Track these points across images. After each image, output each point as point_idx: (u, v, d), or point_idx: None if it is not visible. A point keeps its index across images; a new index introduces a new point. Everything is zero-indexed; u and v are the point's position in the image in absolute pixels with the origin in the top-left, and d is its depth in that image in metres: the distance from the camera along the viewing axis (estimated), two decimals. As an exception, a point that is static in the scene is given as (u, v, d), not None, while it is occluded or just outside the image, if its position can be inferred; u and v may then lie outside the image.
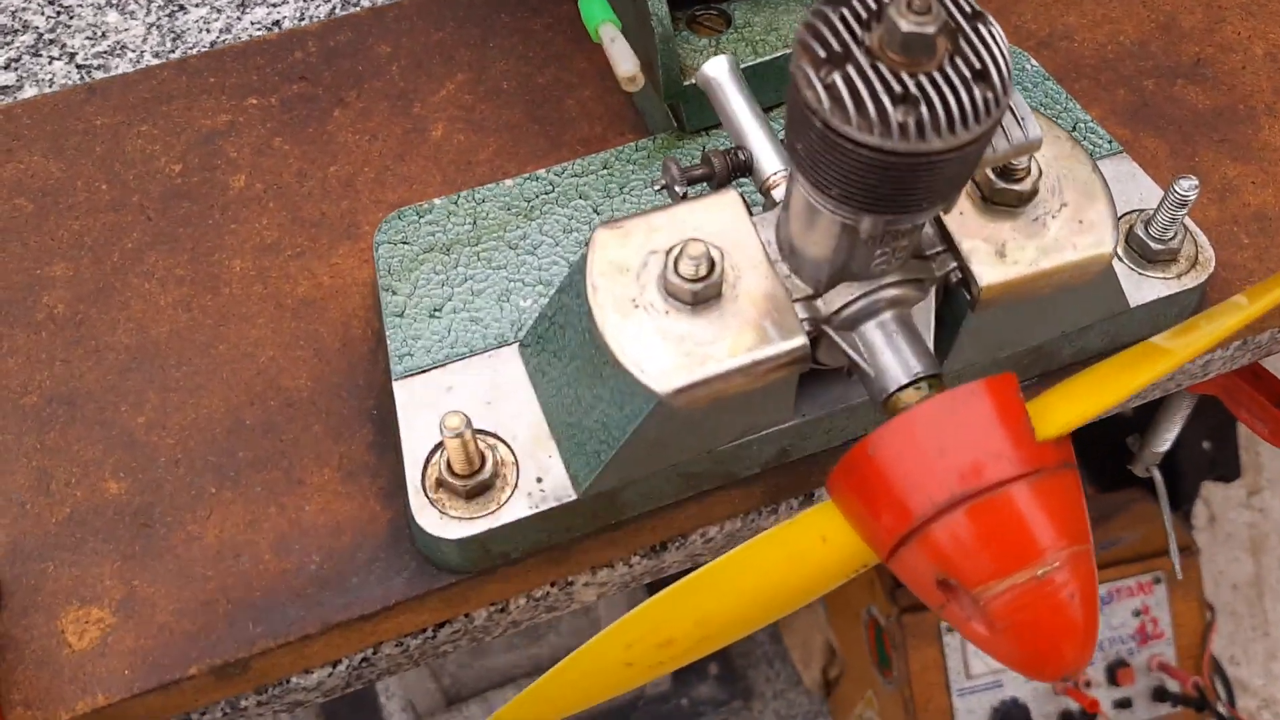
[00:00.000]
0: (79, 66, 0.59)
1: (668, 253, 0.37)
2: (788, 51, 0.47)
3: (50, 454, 0.45)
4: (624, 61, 0.42)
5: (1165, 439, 0.80)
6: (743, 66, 0.46)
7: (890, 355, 0.37)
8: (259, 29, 0.60)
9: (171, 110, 0.54)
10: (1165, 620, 1.08)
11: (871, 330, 0.38)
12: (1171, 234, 0.45)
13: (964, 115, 0.30)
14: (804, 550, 0.38)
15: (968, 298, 0.39)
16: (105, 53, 0.59)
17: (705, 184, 0.42)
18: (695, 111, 0.48)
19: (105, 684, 0.40)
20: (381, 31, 0.57)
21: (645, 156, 0.49)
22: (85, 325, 0.48)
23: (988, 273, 0.38)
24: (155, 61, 0.58)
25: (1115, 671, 1.08)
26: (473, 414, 0.43)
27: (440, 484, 0.41)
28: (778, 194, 0.40)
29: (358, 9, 0.59)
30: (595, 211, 0.47)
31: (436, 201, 0.48)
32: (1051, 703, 1.10)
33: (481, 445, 0.41)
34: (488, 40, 0.57)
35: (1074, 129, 0.49)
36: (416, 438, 0.42)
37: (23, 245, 0.50)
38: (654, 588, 0.40)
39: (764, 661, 1.37)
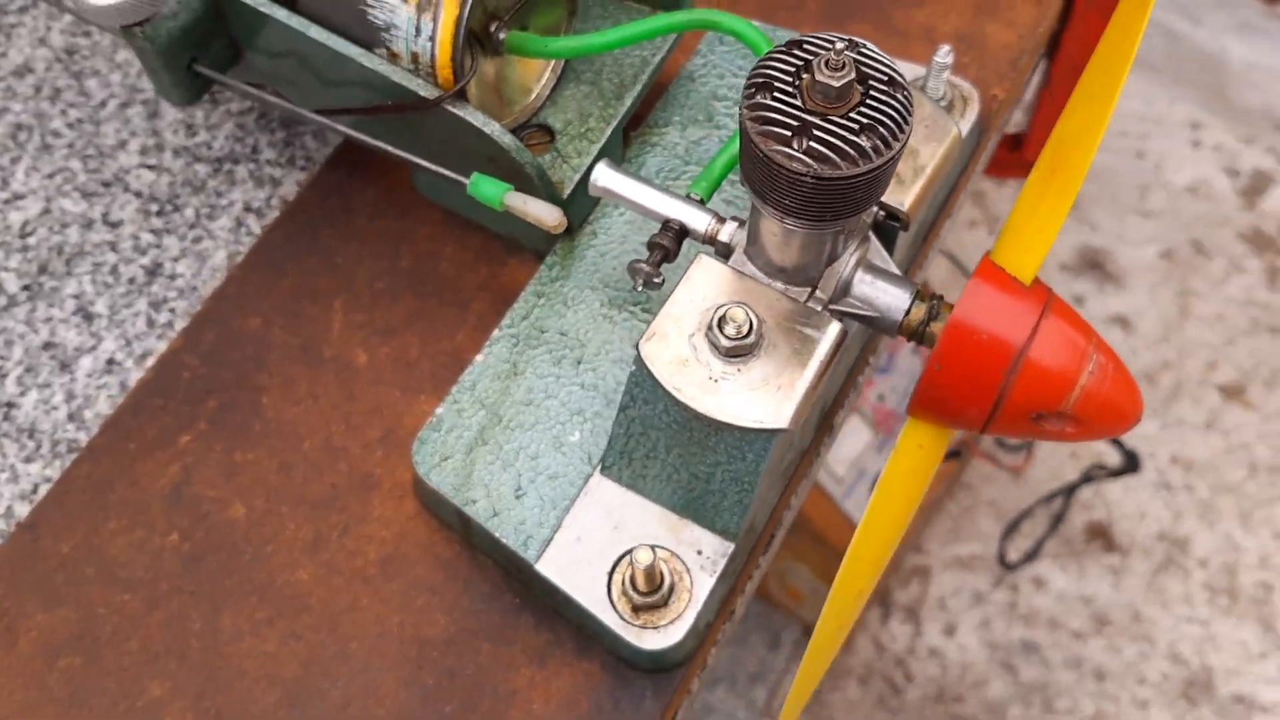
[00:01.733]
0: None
1: (707, 330, 0.44)
2: (614, 129, 0.54)
3: (302, 826, 0.46)
4: (548, 215, 0.48)
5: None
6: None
7: (885, 298, 0.47)
8: (100, 377, 0.59)
9: (121, 495, 0.54)
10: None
11: (860, 288, 0.47)
12: (943, 92, 0.57)
13: (904, 116, 0.39)
14: (914, 463, 0.48)
15: (898, 224, 0.49)
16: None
17: (666, 261, 0.49)
18: (578, 212, 0.54)
19: None
20: (237, 311, 0.59)
21: (561, 270, 0.55)
22: (225, 712, 0.49)
23: (905, 200, 0.48)
24: (37, 466, 0.57)
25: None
26: (607, 542, 0.48)
27: (637, 609, 0.47)
28: (723, 236, 0.48)
29: (192, 309, 0.59)
30: (562, 334, 0.53)
31: (439, 410, 0.52)
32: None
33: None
34: (333, 260, 0.60)
35: (824, 55, 0.60)
36: (587, 591, 0.47)
37: (105, 693, 0.49)
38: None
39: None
